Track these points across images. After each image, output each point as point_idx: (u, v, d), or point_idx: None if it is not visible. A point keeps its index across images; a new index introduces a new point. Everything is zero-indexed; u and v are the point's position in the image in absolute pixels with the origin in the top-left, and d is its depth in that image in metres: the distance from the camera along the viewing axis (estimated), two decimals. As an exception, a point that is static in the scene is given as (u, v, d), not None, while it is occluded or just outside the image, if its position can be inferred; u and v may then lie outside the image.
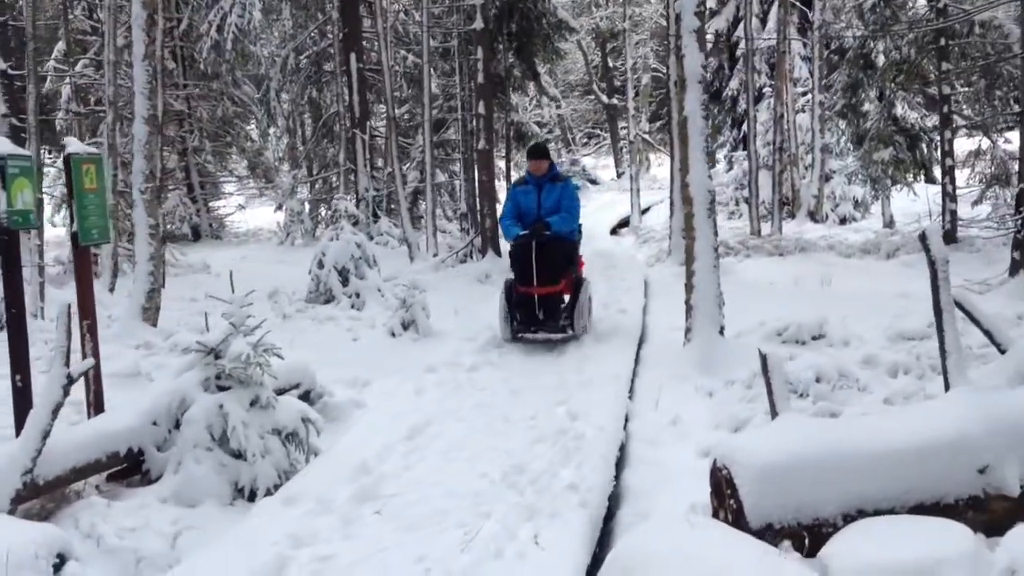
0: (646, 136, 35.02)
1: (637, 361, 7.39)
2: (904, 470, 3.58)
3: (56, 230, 17.50)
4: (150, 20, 8.17)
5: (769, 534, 3.54)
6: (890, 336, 7.18)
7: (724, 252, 14.67)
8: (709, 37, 21.79)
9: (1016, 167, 11.17)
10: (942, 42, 12.53)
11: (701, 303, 7.40)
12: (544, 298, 7.74)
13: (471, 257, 14.05)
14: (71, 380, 4.19)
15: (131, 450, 4.66)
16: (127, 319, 8.33)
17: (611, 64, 37.66)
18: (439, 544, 3.81)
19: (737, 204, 21.07)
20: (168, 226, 19.40)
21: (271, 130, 21.83)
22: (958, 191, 12.95)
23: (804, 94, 20.17)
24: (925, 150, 15.79)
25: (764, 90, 20.77)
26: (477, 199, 14.76)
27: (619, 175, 35.16)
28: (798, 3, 20.65)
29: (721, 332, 7.38)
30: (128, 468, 4.79)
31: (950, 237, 12.44)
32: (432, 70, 16.02)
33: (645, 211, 23.56)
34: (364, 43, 17.82)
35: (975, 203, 13.35)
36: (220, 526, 4.25)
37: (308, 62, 19.93)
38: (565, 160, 36.44)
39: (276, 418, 4.88)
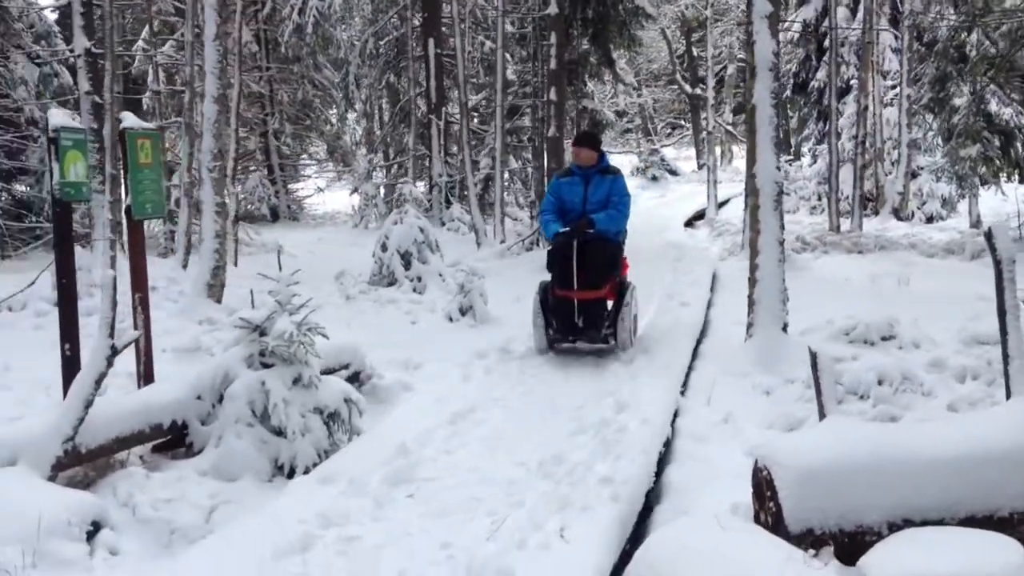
0: (729, 127, 34.38)
1: (695, 356, 7.22)
2: (956, 479, 3.39)
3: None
4: (222, 1, 8.27)
5: (809, 540, 3.39)
6: (963, 339, 6.85)
7: (800, 248, 14.31)
8: (796, 27, 21.23)
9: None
10: (1038, 34, 11.91)
11: (764, 298, 7.21)
12: (585, 304, 6.92)
13: (537, 245, 13.96)
14: (115, 351, 4.25)
15: (175, 422, 4.73)
16: (192, 295, 8.51)
17: (696, 53, 36.99)
18: (466, 531, 3.76)
19: (819, 199, 20.53)
20: (248, 206, 19.81)
21: (349, 114, 22.06)
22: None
23: (893, 87, 19.46)
24: (1020, 149, 15.05)
25: (852, 82, 20.09)
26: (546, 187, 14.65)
27: (700, 166, 34.57)
28: (889, -8, 19.92)
29: (784, 329, 7.16)
30: (172, 440, 4.86)
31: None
32: (509, 56, 15.99)
33: (724, 204, 23.09)
34: (443, 29, 17.86)
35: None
36: (256, 502, 4.27)
37: (387, 47, 20.06)
38: (645, 150, 36.04)
39: (318, 397, 4.89)
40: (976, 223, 15.95)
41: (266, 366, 4.87)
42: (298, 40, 19.18)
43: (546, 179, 14.65)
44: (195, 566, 3.46)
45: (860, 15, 19.95)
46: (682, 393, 6.08)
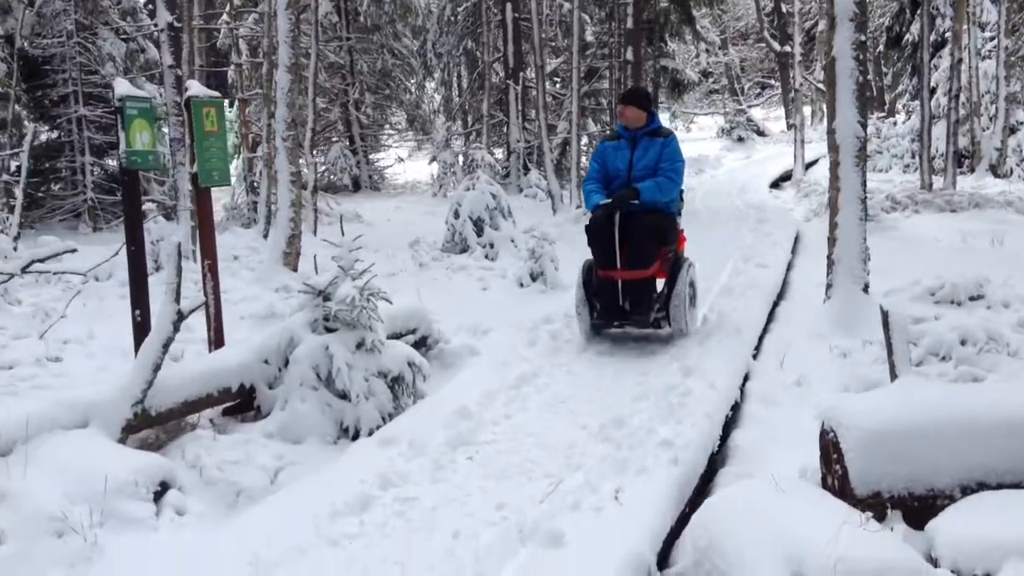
0: (820, 85, 33.23)
1: (770, 318, 7.04)
2: (1034, 441, 3.20)
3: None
4: (292, -30, 8.34)
5: (877, 503, 3.27)
6: (1058, 298, 6.50)
7: (890, 207, 13.82)
8: (889, -23, 20.34)
9: None
10: None
11: (844, 258, 6.98)
12: (630, 285, 6.12)
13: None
14: (181, 316, 4.35)
15: (243, 386, 4.82)
16: (269, 263, 8.68)
17: (784, 9, 35.79)
18: (522, 493, 3.75)
19: (913, 157, 19.77)
20: (330, 177, 20.09)
21: (428, 82, 22.10)
22: None
23: (992, 39, 18.49)
24: None
25: (947, 35, 19.16)
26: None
27: (789, 127, 33.66)
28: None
29: (865, 289, 6.92)
30: (242, 404, 4.97)
31: None
32: (587, 17, 15.72)
33: (812, 164, 22.43)
34: (521, -9, 17.70)
35: None
36: (321, 463, 4.31)
37: (465, 13, 19.99)
38: (731, 110, 35.23)
39: (381, 361, 4.92)
40: (1080, 179, 15.14)
41: (330, 330, 4.93)
42: (377, 9, 19.27)
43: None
44: (254, 525, 3.52)
45: (956, -38, 18.99)
46: (754, 356, 5.94)
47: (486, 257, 9.68)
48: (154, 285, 5.40)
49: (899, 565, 2.61)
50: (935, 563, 2.85)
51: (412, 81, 23.12)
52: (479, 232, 9.95)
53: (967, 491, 3.24)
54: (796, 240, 11.06)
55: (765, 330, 6.68)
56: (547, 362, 5.73)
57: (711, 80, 38.93)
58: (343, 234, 5.23)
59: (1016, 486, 3.20)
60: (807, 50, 26.46)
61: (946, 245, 10.29)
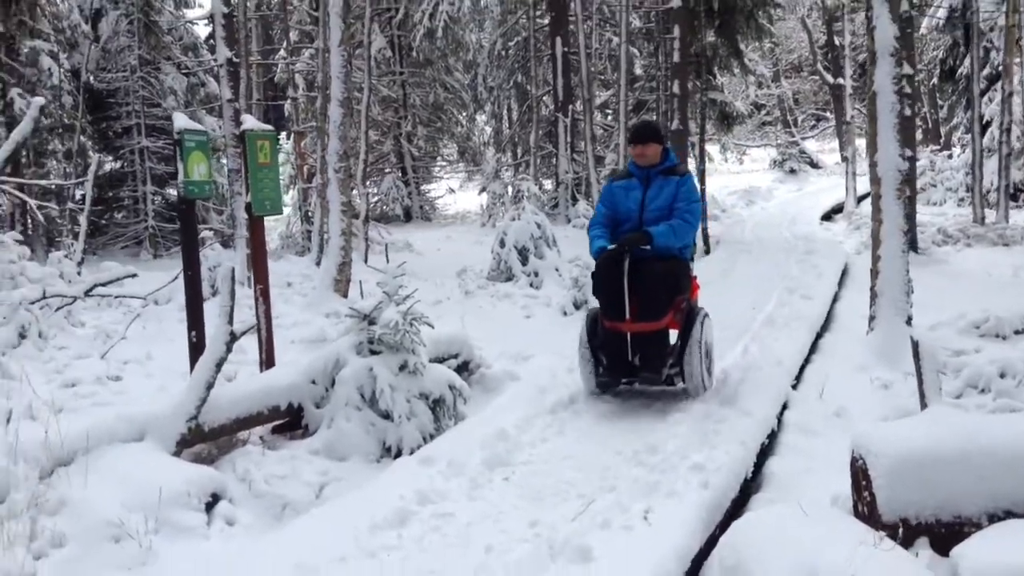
0: (872, 118, 32.98)
1: (813, 349, 7.07)
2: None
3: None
4: (346, 7, 8.65)
5: (904, 529, 3.32)
6: (1105, 333, 6.45)
7: (942, 240, 13.68)
8: (941, 13, 20.19)
9: None
10: None
11: (887, 290, 7.02)
12: (640, 338, 5.46)
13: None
14: (234, 337, 4.56)
15: (291, 405, 5.02)
16: (321, 290, 8.93)
17: (837, 43, 35.65)
18: (555, 512, 3.85)
19: (967, 190, 19.49)
20: (382, 207, 20.48)
21: (478, 115, 22.44)
22: None
23: (1047, 70, 18.24)
24: None
25: (1000, 68, 18.96)
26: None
27: (843, 159, 33.40)
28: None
29: (908, 321, 6.92)
30: (291, 422, 5.17)
31: None
32: (636, 51, 15.92)
33: (864, 197, 22.19)
34: (570, 27, 17.99)
35: None
36: (363, 480, 4.49)
37: (515, 47, 20.34)
38: (783, 142, 35.08)
39: (423, 383, 5.09)
40: None
41: (374, 353, 5.11)
42: (429, 44, 19.70)
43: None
44: (298, 535, 3.68)
45: (1011, -5, 18.82)
46: (794, 387, 5.97)
47: (530, 285, 9.83)
48: (209, 309, 5.63)
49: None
50: (959, 588, 2.89)
51: (463, 114, 23.52)
52: (524, 261, 10.11)
53: (994, 519, 3.27)
54: (844, 272, 11.02)
55: (807, 361, 6.70)
56: (586, 388, 5.82)
57: (763, 112, 38.84)
58: (387, 261, 5.39)
59: (1046, 515, 3.23)
60: (860, 83, 26.31)
61: (996, 279, 10.19)
